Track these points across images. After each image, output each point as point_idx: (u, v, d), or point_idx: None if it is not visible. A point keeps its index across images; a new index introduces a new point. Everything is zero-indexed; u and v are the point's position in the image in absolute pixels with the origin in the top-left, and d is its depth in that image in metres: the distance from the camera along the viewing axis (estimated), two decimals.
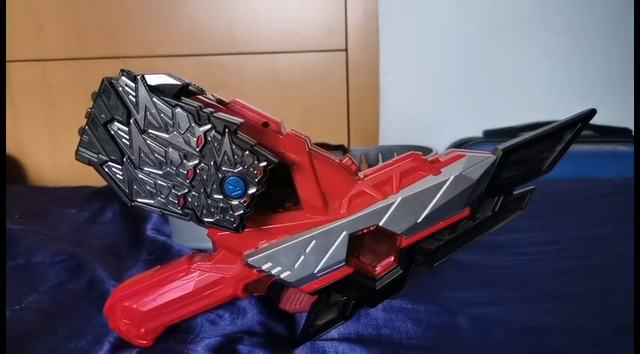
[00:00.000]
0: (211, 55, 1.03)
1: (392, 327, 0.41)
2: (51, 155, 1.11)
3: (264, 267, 0.37)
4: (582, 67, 1.04)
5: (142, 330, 0.40)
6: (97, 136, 0.31)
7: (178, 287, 0.39)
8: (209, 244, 0.41)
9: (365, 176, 0.37)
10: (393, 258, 0.39)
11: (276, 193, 0.37)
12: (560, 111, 0.99)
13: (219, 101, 0.35)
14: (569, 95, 1.05)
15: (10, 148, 1.11)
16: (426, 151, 0.70)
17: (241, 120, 0.31)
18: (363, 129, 1.06)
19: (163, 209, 0.33)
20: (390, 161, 0.38)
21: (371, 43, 1.02)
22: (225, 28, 1.02)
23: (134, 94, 0.30)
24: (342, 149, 0.96)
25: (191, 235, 0.60)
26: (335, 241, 0.36)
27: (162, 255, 0.60)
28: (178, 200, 0.32)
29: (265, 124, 0.35)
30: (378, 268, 0.39)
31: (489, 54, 1.05)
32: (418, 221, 0.37)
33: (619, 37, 1.01)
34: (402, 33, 1.04)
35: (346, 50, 1.02)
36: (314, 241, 0.36)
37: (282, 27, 1.01)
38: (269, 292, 0.42)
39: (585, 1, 1.01)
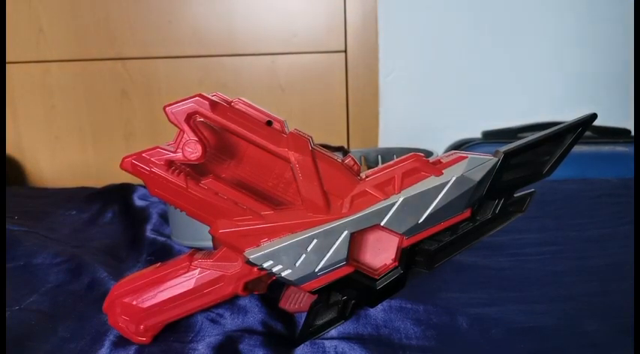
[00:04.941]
0: (211, 57, 1.04)
1: (391, 327, 0.41)
2: (51, 156, 1.11)
3: (265, 265, 0.37)
4: (581, 68, 1.05)
5: (142, 327, 0.40)
6: None
7: (179, 284, 0.39)
8: (209, 243, 0.41)
9: (367, 176, 0.37)
10: (393, 258, 0.39)
11: (278, 192, 0.37)
12: (559, 112, 1.00)
13: (225, 100, 0.36)
14: (568, 96, 1.06)
15: (10, 149, 1.11)
16: (427, 153, 0.70)
17: None
18: (362, 130, 1.06)
19: None
20: (392, 162, 0.38)
21: (370, 44, 1.03)
22: (225, 29, 1.02)
23: None
24: (342, 151, 0.96)
25: (192, 233, 0.60)
26: (336, 240, 0.36)
27: (163, 256, 0.60)
28: None
29: (269, 123, 0.35)
30: (379, 268, 0.39)
31: (488, 55, 1.05)
32: (419, 222, 0.37)
33: (618, 37, 1.01)
34: (401, 34, 1.04)
35: (345, 51, 1.02)
36: (315, 240, 0.36)
37: (282, 28, 1.02)
38: (269, 291, 0.42)
39: (584, 2, 1.01)
